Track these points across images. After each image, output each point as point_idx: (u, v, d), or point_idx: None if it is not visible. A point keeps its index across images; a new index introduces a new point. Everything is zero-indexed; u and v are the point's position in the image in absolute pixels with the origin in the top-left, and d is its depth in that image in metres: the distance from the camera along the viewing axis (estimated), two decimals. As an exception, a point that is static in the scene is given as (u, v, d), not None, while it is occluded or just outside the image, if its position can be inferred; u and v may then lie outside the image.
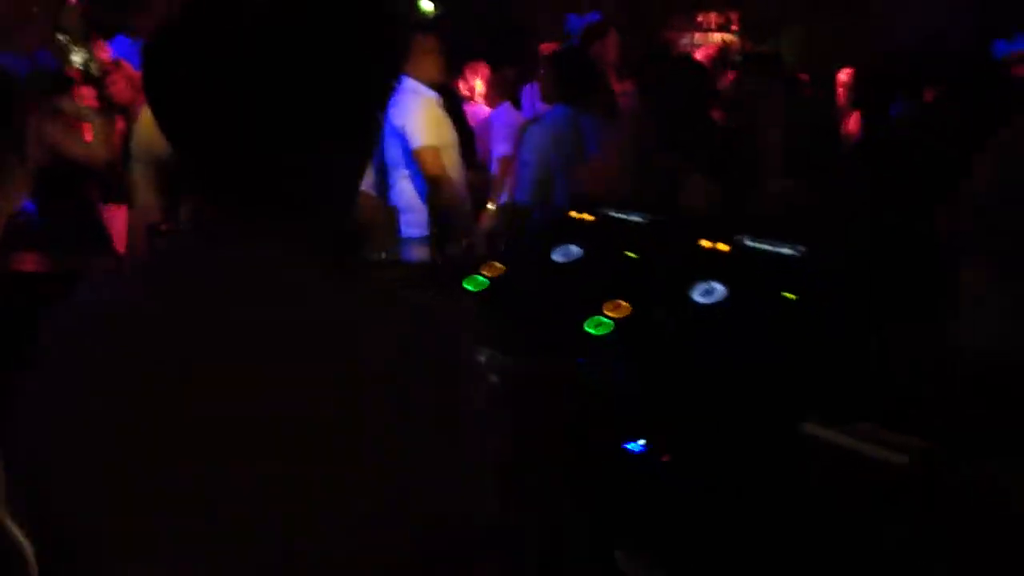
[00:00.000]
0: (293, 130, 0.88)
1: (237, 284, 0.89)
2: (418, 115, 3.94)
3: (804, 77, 5.30)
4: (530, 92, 5.56)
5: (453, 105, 4.73)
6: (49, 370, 0.93)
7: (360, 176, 0.98)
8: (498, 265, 2.09)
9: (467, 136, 4.86)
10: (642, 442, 1.67)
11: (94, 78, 5.83)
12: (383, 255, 3.37)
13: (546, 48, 5.45)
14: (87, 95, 5.26)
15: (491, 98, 5.70)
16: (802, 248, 1.68)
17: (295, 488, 0.84)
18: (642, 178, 2.95)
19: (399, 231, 3.78)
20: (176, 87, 0.90)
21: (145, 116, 4.78)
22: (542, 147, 3.96)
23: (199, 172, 0.93)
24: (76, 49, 7.83)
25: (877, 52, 3.56)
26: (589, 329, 1.75)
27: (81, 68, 6.74)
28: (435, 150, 3.95)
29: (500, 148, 4.99)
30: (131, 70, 5.16)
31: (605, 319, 1.76)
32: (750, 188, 2.81)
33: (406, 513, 0.85)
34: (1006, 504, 1.54)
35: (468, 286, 2.06)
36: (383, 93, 0.96)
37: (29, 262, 3.49)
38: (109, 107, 5.12)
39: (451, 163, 4.06)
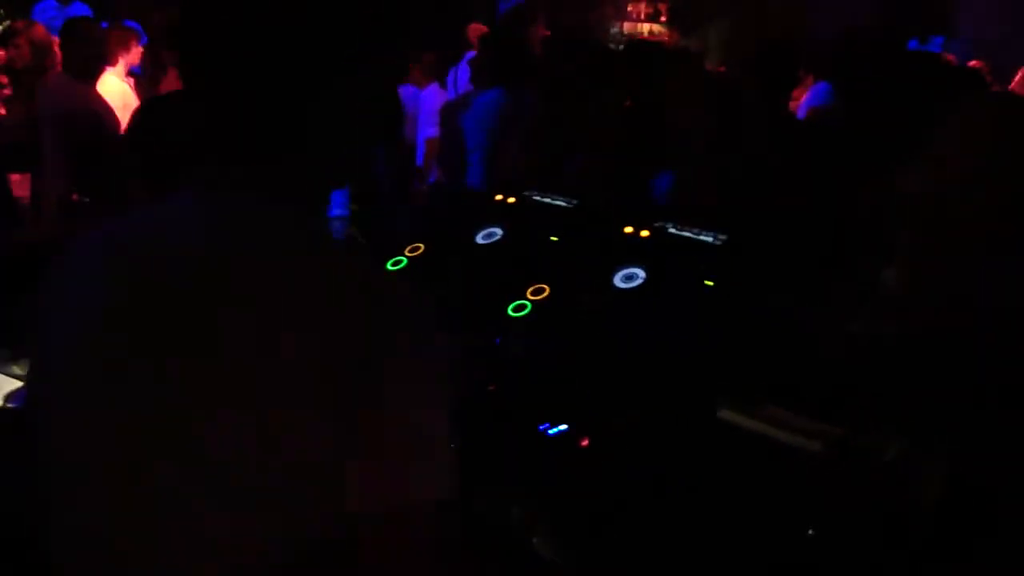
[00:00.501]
0: (296, 75, 0.91)
1: (223, 233, 0.92)
2: None
3: (722, 70, 5.38)
4: (454, 73, 5.51)
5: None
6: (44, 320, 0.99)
7: (358, 142, 0.98)
8: (419, 245, 2.07)
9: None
10: (562, 427, 1.67)
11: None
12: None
13: (474, 29, 5.40)
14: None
15: (416, 79, 5.63)
16: (722, 236, 1.69)
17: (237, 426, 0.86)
18: (531, 156, 2.94)
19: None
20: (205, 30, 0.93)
21: (53, 81, 4.61)
22: (490, 130, 3.91)
23: (208, 122, 0.96)
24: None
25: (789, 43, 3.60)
26: (510, 312, 1.74)
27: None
28: None
29: (428, 130, 4.93)
30: (39, 34, 4.94)
31: (525, 301, 1.75)
32: (656, 172, 2.82)
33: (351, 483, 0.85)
34: (914, 490, 1.58)
35: (389, 266, 2.04)
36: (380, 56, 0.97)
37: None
38: (11, 72, 4.90)
39: None
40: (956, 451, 1.53)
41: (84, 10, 6.57)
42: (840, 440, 1.67)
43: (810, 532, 1.55)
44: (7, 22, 6.79)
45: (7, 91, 4.69)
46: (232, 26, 0.90)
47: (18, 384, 2.27)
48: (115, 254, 0.96)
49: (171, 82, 4.69)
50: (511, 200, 2.09)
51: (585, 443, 1.68)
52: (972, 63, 5.42)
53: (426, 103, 5.30)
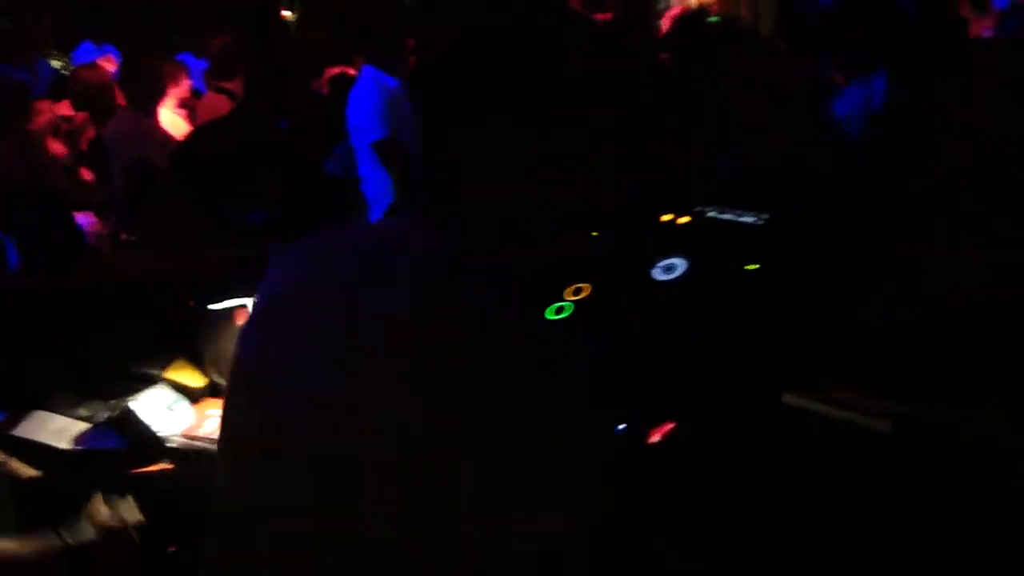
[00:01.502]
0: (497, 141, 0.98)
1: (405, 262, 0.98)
2: (376, 106, 3.83)
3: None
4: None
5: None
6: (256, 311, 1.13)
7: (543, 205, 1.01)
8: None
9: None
10: (622, 426, 1.62)
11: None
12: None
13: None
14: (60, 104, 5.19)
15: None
16: (765, 216, 1.60)
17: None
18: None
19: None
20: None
21: (118, 119, 4.71)
22: None
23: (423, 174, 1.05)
24: (53, 56, 7.81)
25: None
26: (549, 315, 1.68)
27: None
28: (393, 143, 3.83)
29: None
30: (92, 76, 5.10)
31: (566, 302, 1.70)
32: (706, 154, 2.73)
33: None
34: (993, 468, 1.48)
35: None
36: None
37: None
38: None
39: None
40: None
41: (114, 51, 6.77)
42: (912, 419, 1.58)
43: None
44: (63, 64, 7.01)
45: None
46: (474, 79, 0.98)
47: (85, 426, 2.32)
48: (317, 263, 1.07)
49: (208, 109, 4.73)
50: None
51: (655, 437, 1.63)
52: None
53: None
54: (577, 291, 1.69)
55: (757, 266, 1.53)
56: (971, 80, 1.80)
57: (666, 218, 1.71)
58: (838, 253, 1.62)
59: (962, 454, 1.54)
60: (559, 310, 1.70)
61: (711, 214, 1.67)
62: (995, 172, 1.65)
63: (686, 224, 1.68)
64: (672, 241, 1.66)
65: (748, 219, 1.61)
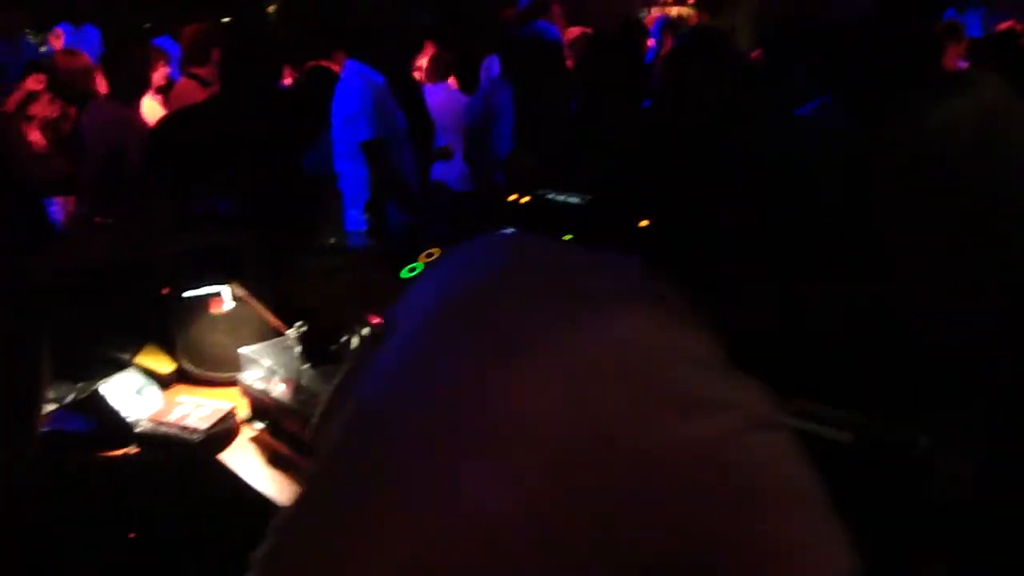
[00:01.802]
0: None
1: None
2: (365, 104, 3.79)
3: (756, 55, 5.17)
4: (487, 65, 5.48)
5: (409, 92, 4.55)
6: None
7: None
8: (435, 251, 2.06)
9: (423, 124, 4.69)
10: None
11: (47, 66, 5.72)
12: (332, 241, 3.33)
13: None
14: (39, 82, 5.13)
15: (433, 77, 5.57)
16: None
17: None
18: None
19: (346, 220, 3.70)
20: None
21: (97, 108, 4.66)
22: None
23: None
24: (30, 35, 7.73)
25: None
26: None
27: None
28: (381, 142, 3.82)
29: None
30: (69, 62, 5.05)
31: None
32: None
33: None
34: (940, 487, 1.53)
35: (406, 273, 2.03)
36: None
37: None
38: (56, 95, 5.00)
39: (398, 155, 3.91)
40: (984, 448, 1.49)
41: (94, 31, 6.69)
42: (870, 430, 1.63)
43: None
44: (38, 42, 6.93)
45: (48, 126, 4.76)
46: None
47: (51, 407, 2.31)
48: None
49: (181, 94, 4.69)
50: (524, 200, 2.07)
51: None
52: (1005, 24, 5.21)
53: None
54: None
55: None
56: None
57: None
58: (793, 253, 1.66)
59: (911, 467, 1.58)
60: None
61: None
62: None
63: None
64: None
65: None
